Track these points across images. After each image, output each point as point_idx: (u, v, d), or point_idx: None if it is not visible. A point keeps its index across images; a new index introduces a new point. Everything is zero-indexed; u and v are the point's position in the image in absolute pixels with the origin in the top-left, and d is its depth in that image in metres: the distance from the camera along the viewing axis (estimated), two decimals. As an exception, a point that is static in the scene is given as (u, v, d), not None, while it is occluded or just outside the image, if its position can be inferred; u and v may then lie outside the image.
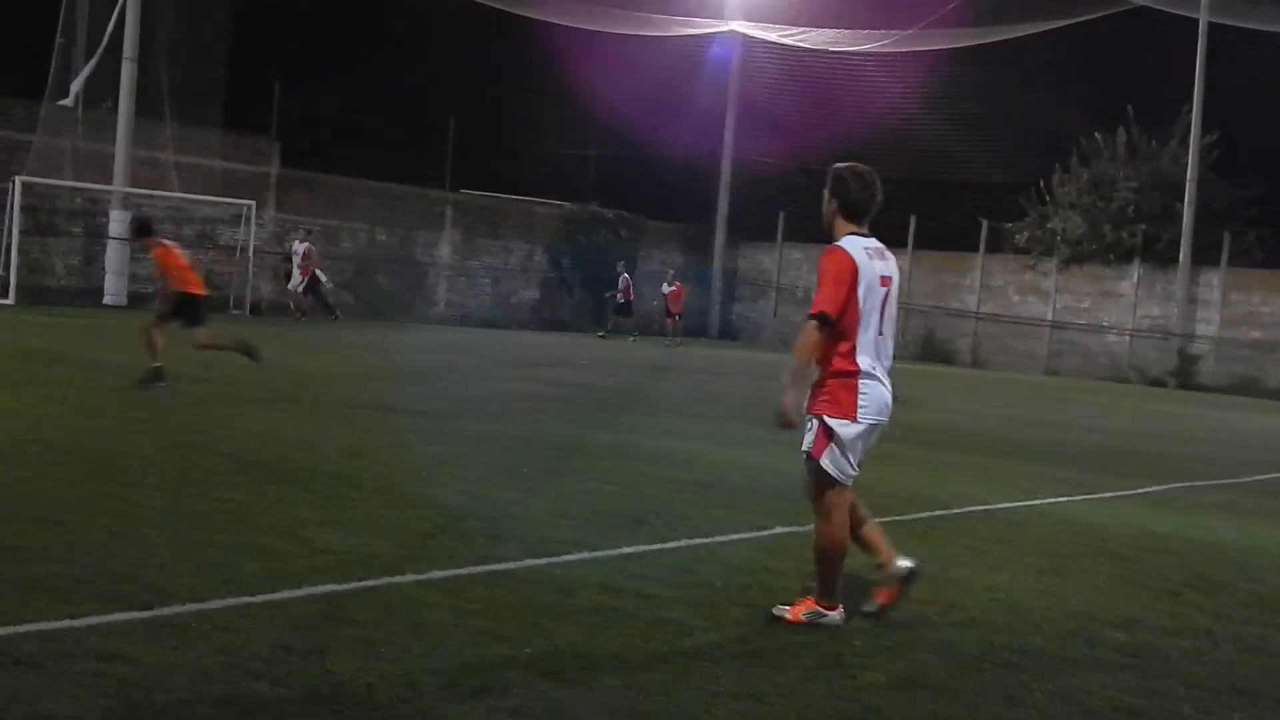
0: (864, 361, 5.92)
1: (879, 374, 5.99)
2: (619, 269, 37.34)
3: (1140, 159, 38.76)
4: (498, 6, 36.89)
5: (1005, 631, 6.30)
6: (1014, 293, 40.46)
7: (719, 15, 42.56)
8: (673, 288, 36.74)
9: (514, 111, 39.17)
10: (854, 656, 5.64)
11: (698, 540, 7.89)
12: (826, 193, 6.18)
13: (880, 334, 6.00)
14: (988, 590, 7.17)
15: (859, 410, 5.92)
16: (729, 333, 45.40)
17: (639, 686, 5.01)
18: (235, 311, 32.13)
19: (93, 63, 30.54)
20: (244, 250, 32.87)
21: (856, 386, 5.90)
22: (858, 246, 6.00)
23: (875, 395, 5.96)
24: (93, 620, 5.21)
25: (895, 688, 5.28)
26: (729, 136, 44.98)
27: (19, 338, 20.15)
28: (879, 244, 6.11)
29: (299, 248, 31.62)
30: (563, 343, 31.87)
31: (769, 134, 42.24)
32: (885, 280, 6.03)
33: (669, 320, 36.90)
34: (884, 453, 13.40)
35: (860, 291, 5.88)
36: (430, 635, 5.43)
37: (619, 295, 37.12)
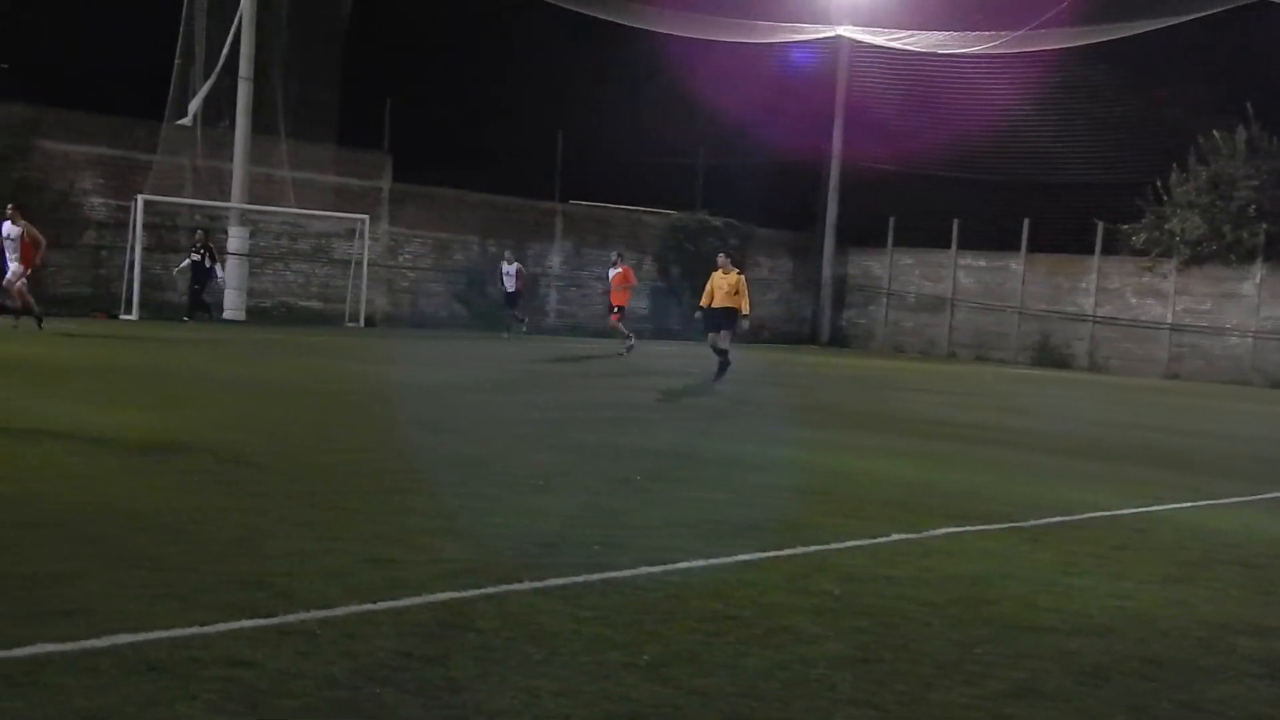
0: None
1: None
2: (506, 257, 33.71)
3: (1261, 157, 37.83)
4: (604, 18, 37.10)
5: (1131, 640, 6.17)
6: (1132, 295, 39.72)
7: (826, 20, 42.35)
8: (618, 269, 29.72)
9: (621, 121, 39.30)
10: (976, 664, 5.57)
11: (813, 548, 7.84)
12: None
13: None
14: (1112, 598, 7.02)
15: None
16: (839, 339, 45.14)
17: (756, 694, 4.99)
18: (350, 324, 32.64)
19: (210, 83, 31.30)
20: (358, 264, 33.38)
21: None
22: None
23: None
24: (221, 626, 5.31)
25: (1018, 696, 5.20)
26: (837, 142, 44.76)
27: (144, 353, 20.65)
28: None
29: (11, 230, 24.16)
30: (672, 351, 31.89)
31: (878, 138, 41.95)
32: None
33: (614, 318, 29.72)
34: (1002, 458, 13.30)
35: None
36: (548, 642, 5.46)
37: (509, 285, 33.35)
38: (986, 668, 5.53)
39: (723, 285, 21.91)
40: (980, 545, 8.28)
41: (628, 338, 28.82)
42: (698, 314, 22.87)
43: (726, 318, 21.86)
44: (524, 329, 33.77)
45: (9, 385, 14.32)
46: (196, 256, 29.84)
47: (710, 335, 22.01)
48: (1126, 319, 39.60)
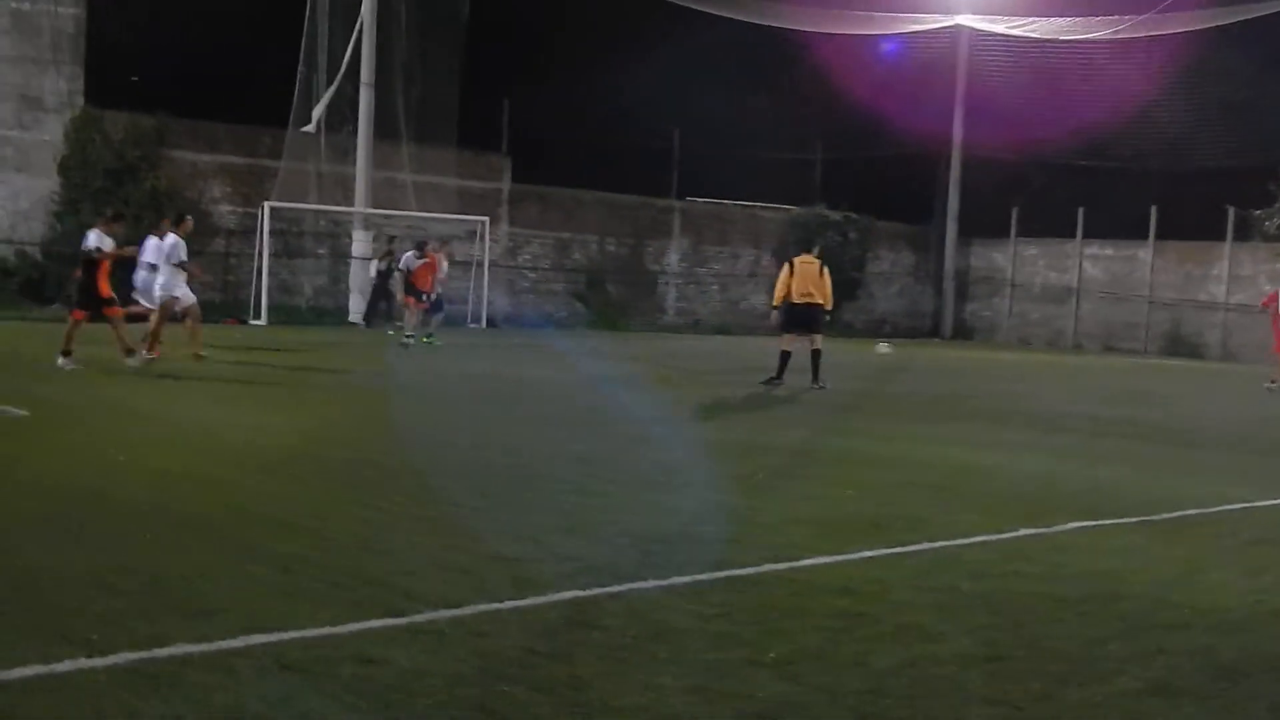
0: None
1: None
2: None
3: (1399, 138, 36.52)
4: (718, 13, 36.99)
5: (1269, 636, 6.01)
6: (1265, 282, 38.53)
7: (945, 10, 41.79)
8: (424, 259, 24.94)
9: (737, 117, 39.17)
10: (1109, 662, 5.46)
11: (939, 544, 7.75)
12: None
13: None
14: (1249, 593, 6.83)
15: None
16: (962, 332, 44.54)
17: (885, 691, 4.95)
18: (473, 325, 32.97)
19: (333, 90, 31.82)
20: (479, 265, 33.71)
21: None
22: None
23: None
24: (352, 626, 5.41)
25: (1153, 693, 5.09)
26: (958, 132, 44.12)
27: (273, 357, 21.05)
28: None
29: None
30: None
31: (999, 127, 41.27)
32: None
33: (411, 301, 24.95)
34: (1133, 452, 13.03)
35: None
36: (673, 640, 5.47)
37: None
38: (1119, 665, 5.43)
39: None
40: (1110, 540, 8.12)
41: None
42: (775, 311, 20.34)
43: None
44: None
45: (145, 390, 14.70)
46: (383, 266, 29.93)
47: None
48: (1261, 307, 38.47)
